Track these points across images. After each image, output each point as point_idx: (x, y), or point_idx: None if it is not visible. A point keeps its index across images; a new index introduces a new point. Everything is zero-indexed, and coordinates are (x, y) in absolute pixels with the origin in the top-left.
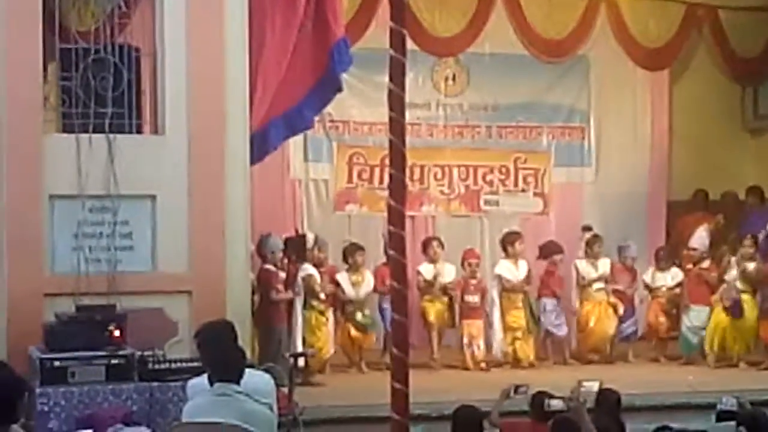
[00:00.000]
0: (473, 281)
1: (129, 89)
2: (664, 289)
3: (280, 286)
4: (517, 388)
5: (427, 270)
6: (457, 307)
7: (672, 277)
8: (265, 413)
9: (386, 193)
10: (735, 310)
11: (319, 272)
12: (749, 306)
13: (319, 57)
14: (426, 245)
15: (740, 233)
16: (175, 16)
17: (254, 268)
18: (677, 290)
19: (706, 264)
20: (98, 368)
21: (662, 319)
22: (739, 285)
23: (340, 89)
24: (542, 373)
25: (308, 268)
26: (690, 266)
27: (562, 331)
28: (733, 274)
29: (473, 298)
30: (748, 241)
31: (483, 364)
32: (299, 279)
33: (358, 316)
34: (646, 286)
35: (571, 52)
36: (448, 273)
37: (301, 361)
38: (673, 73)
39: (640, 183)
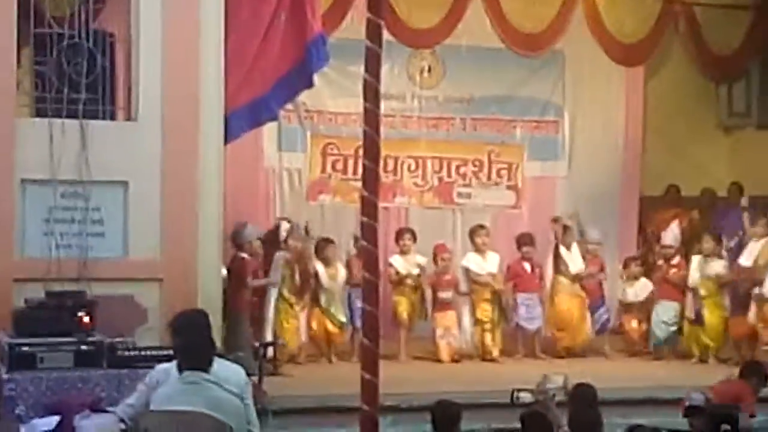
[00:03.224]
0: (446, 277)
1: (103, 75)
2: (636, 304)
3: (253, 275)
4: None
5: (398, 262)
6: (429, 301)
7: (641, 288)
8: (234, 402)
9: (360, 183)
10: (697, 319)
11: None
12: (710, 310)
13: (292, 50)
14: (398, 236)
15: (716, 231)
16: (151, 2)
17: (226, 256)
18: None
19: (676, 260)
20: (67, 354)
21: (635, 325)
22: (701, 291)
23: (311, 85)
24: (511, 366)
25: (285, 254)
26: (661, 262)
27: (533, 325)
28: (695, 278)
29: (446, 294)
30: (707, 238)
31: (456, 356)
32: (276, 262)
33: (335, 310)
34: (619, 302)
35: (547, 47)
36: (420, 264)
37: (270, 351)
38: (649, 69)
39: (613, 178)
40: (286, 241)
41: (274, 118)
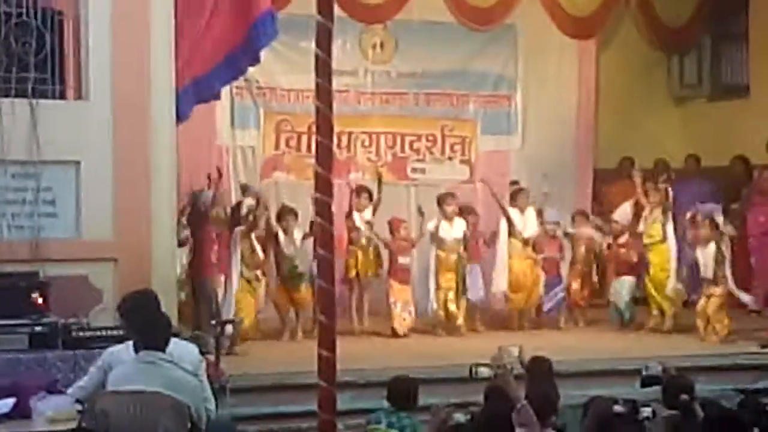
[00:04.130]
0: (404, 243)
1: (52, 54)
2: (582, 247)
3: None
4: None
5: (356, 217)
6: (385, 261)
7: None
8: (191, 380)
9: (314, 160)
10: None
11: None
12: (653, 264)
13: (239, 26)
14: (358, 194)
15: (678, 200)
16: None
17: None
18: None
19: (623, 239)
20: (21, 336)
21: (576, 285)
22: (645, 240)
23: (257, 61)
24: (466, 340)
25: (242, 229)
26: (610, 240)
27: (474, 294)
28: (642, 228)
29: (405, 260)
30: (653, 192)
31: (411, 331)
32: (235, 238)
33: (293, 273)
34: (566, 235)
35: (499, 20)
36: (369, 221)
37: (228, 329)
38: (600, 41)
39: (567, 151)
40: (246, 216)
41: (217, 96)
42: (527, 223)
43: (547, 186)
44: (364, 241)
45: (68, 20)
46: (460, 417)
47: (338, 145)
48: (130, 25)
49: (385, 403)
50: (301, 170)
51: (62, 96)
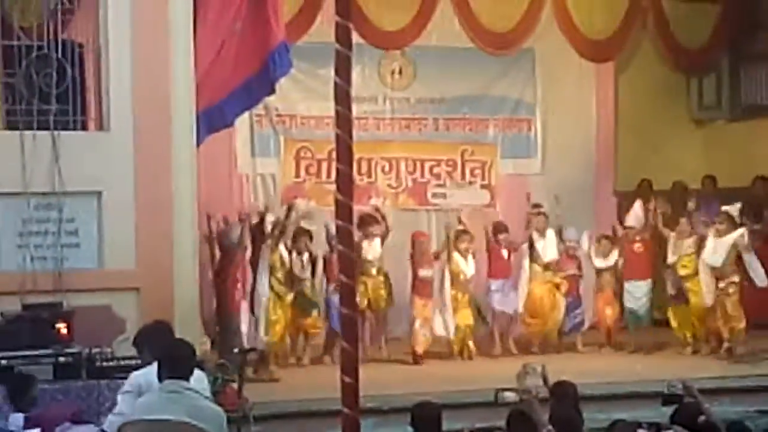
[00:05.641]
0: (425, 256)
1: (73, 85)
2: (608, 274)
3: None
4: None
5: (364, 245)
6: (409, 283)
7: (613, 258)
8: (214, 409)
9: (334, 186)
10: (679, 297)
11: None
12: (693, 292)
13: (252, 58)
14: (365, 222)
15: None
16: (119, 11)
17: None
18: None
19: (637, 245)
20: (46, 367)
21: (609, 311)
22: (680, 270)
23: (272, 92)
24: (488, 364)
25: (270, 244)
26: (626, 244)
27: (510, 308)
28: (673, 258)
29: (427, 273)
30: (682, 220)
31: (429, 350)
32: (262, 255)
33: (304, 299)
34: (596, 270)
35: (517, 45)
36: (377, 250)
37: (252, 356)
38: (619, 64)
39: (587, 174)
40: (272, 231)
41: (229, 125)
42: (548, 247)
43: (559, 209)
44: (373, 270)
45: (89, 52)
46: None
47: (358, 172)
48: (151, 57)
49: (409, 429)
50: (321, 197)
51: (84, 127)
